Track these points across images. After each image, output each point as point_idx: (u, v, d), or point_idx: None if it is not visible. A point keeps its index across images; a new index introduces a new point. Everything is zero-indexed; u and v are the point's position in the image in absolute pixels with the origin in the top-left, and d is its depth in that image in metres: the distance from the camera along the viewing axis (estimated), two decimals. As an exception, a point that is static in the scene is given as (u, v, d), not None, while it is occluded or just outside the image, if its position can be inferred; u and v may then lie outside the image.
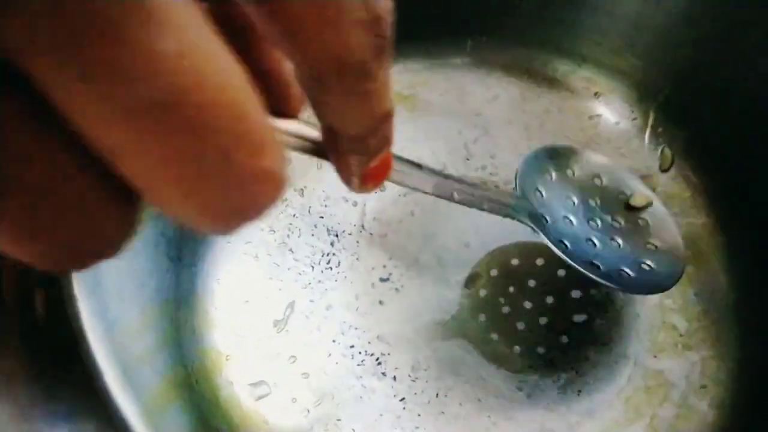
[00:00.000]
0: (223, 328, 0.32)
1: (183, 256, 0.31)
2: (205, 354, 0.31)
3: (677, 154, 0.36)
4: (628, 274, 0.29)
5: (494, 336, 0.32)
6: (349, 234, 0.35)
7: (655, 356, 0.32)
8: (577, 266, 0.28)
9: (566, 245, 0.29)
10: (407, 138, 0.37)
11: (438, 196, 0.25)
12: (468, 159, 0.37)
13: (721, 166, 0.35)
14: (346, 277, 0.34)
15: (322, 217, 0.35)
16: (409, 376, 0.32)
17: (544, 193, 0.31)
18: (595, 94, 0.38)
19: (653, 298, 0.33)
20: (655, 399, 0.31)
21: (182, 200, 0.10)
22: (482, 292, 0.33)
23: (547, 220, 0.30)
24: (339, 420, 0.30)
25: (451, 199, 0.25)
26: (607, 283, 0.28)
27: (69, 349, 0.18)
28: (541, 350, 0.32)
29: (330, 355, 0.32)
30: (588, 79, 0.38)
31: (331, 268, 0.34)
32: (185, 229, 0.33)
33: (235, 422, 0.29)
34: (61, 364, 0.17)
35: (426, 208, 0.35)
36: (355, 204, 0.35)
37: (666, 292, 0.33)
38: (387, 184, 0.36)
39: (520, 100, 0.38)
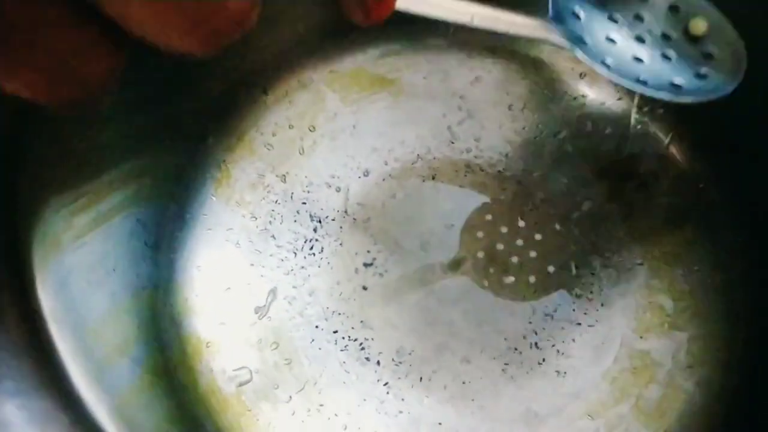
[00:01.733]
0: (203, 315, 0.31)
1: (161, 243, 0.31)
2: (184, 341, 0.30)
3: (663, 135, 0.36)
4: (680, 86, 0.28)
5: (478, 319, 0.32)
6: (332, 219, 0.34)
7: (642, 336, 0.32)
8: (621, 82, 0.27)
9: (608, 66, 0.28)
10: (391, 121, 0.37)
11: (454, 22, 0.23)
12: (452, 142, 0.37)
13: (709, 146, 0.35)
14: (329, 262, 0.33)
15: (304, 203, 0.35)
16: (393, 360, 0.31)
17: (581, 15, 0.28)
18: (581, 74, 0.37)
19: (639, 278, 0.33)
20: (641, 379, 0.31)
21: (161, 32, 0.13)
22: (467, 275, 0.33)
23: (586, 43, 0.28)
24: (322, 405, 0.30)
25: (470, 24, 0.24)
26: (659, 95, 0.27)
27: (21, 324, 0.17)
28: (526, 333, 0.32)
29: (313, 341, 0.31)
30: (573, 60, 0.37)
31: (314, 254, 0.33)
32: (163, 214, 0.32)
33: (215, 409, 0.29)
34: (11, 339, 0.17)
35: (409, 191, 0.35)
36: (338, 189, 0.35)
37: (653, 272, 0.33)
38: (370, 167, 0.36)
39: (504, 81, 0.38)
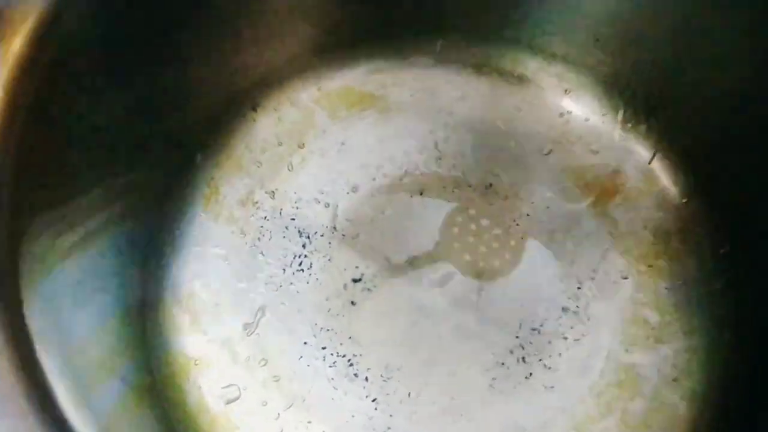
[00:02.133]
0: (191, 332, 0.31)
1: (149, 261, 0.31)
2: (172, 359, 0.30)
3: (647, 151, 0.36)
4: None
5: (466, 334, 0.32)
6: (321, 235, 0.35)
7: (627, 350, 0.32)
8: None
9: None
10: (379, 138, 0.37)
11: None
12: (440, 158, 0.37)
13: (691, 162, 0.36)
14: (317, 278, 0.34)
15: (293, 219, 0.35)
16: (381, 376, 0.31)
17: None
18: (565, 90, 0.38)
19: (625, 292, 0.33)
20: (626, 393, 0.31)
21: None
22: (455, 290, 0.33)
23: None
24: (310, 422, 0.30)
25: None
26: None
27: None
28: (513, 347, 0.32)
29: (301, 357, 0.32)
30: (558, 76, 0.38)
31: (302, 270, 0.34)
32: (152, 232, 0.33)
33: (203, 428, 0.29)
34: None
35: (397, 207, 0.35)
36: (327, 205, 0.35)
37: (638, 285, 0.33)
38: (358, 183, 0.36)
39: (490, 98, 0.38)
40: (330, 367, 0.31)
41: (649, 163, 0.36)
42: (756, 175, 0.33)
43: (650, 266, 0.34)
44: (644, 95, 0.36)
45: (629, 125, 0.37)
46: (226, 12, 0.31)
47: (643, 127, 0.36)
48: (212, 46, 0.32)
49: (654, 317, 0.33)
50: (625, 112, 0.37)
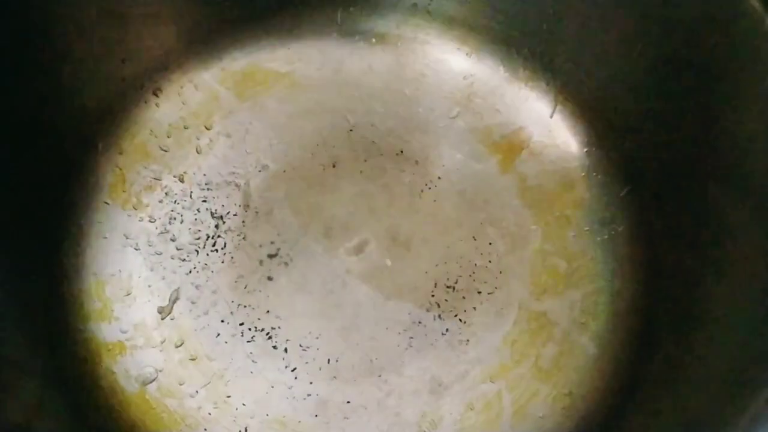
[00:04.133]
0: (102, 320, 0.31)
1: (52, 254, 0.31)
2: (82, 347, 0.30)
3: (548, 106, 0.37)
4: None
5: (383, 298, 0.33)
6: (234, 215, 0.35)
7: (538, 299, 0.33)
8: None
9: None
10: (288, 114, 0.37)
11: None
12: (351, 130, 0.37)
13: (589, 111, 0.37)
14: (232, 257, 0.34)
15: (204, 201, 0.35)
16: (300, 345, 0.32)
17: None
18: (467, 53, 0.38)
19: (534, 243, 0.34)
20: (539, 339, 0.32)
21: None
22: (371, 257, 0.34)
23: None
24: (229, 397, 0.30)
25: None
26: None
27: None
28: (429, 306, 0.33)
29: (218, 335, 0.32)
30: (458, 39, 0.38)
31: (216, 251, 0.34)
32: (53, 224, 0.32)
33: (116, 411, 0.29)
34: None
35: (310, 181, 0.36)
36: (238, 185, 0.35)
37: (547, 236, 0.34)
38: (270, 161, 0.36)
39: (396, 67, 0.39)
40: (248, 342, 0.32)
41: (551, 117, 0.37)
42: (649, 120, 0.34)
43: (558, 216, 0.35)
44: (539, 52, 0.37)
45: (529, 83, 0.38)
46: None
47: (542, 84, 0.37)
48: (93, 31, 0.31)
49: (562, 265, 0.34)
50: (524, 70, 0.38)
